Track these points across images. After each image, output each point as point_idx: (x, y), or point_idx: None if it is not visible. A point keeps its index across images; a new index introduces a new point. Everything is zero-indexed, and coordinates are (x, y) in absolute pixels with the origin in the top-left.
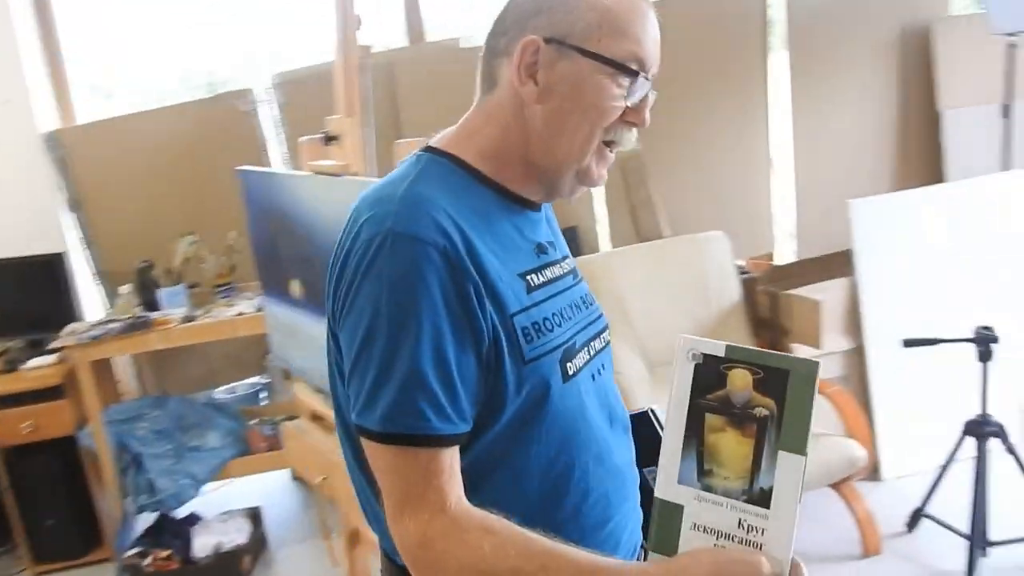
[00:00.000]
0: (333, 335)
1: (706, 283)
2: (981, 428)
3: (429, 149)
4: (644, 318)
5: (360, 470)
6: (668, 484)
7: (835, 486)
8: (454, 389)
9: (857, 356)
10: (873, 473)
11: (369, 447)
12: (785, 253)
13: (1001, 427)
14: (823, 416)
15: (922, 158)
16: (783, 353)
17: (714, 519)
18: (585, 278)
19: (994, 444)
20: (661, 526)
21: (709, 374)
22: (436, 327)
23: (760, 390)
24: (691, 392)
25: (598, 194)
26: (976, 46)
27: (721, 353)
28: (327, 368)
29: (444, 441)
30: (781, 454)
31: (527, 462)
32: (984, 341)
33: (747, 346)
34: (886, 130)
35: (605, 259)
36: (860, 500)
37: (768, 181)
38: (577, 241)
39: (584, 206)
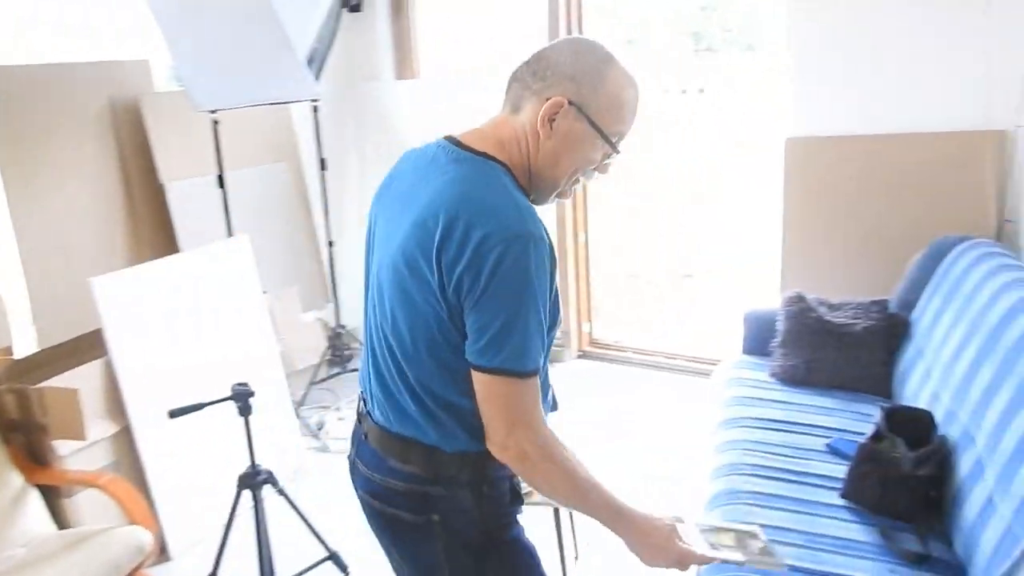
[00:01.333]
0: (440, 299)
1: None
2: (253, 479)
3: (483, 154)
4: None
5: (452, 389)
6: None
7: None
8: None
9: (125, 437)
10: (162, 554)
11: (499, 381)
12: (26, 344)
13: (270, 473)
14: (102, 511)
15: (154, 230)
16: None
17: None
18: None
19: (268, 491)
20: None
21: None
22: (546, 299)
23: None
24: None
25: None
26: (185, 121)
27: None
28: (411, 321)
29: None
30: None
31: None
32: (242, 397)
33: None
34: (114, 204)
35: None
36: None
37: None
38: None
39: None
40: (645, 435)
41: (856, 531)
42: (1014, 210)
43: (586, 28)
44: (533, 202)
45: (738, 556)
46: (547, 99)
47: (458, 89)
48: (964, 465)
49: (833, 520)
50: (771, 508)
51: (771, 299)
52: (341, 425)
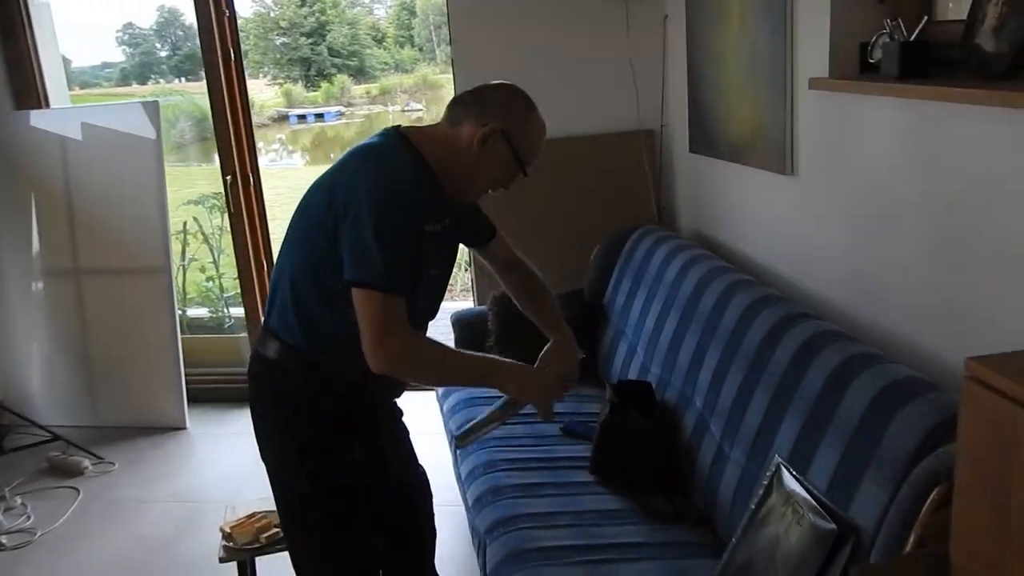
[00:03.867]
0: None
1: None
2: None
3: (399, 131)
4: None
5: (319, 303)
6: None
7: None
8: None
9: None
10: None
11: (360, 293)
12: None
13: None
14: None
15: None
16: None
17: None
18: None
19: None
20: None
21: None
22: (403, 238)
23: None
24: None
25: None
26: None
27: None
28: (307, 232)
29: (402, 295)
30: None
31: (415, 305)
32: None
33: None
34: None
35: None
36: None
37: None
38: None
39: None
40: None
41: (613, 502)
42: (667, 198)
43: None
44: (451, 196)
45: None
46: (484, 124)
47: (99, 117)
48: (688, 424)
49: (591, 496)
50: (535, 497)
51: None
52: (10, 517)
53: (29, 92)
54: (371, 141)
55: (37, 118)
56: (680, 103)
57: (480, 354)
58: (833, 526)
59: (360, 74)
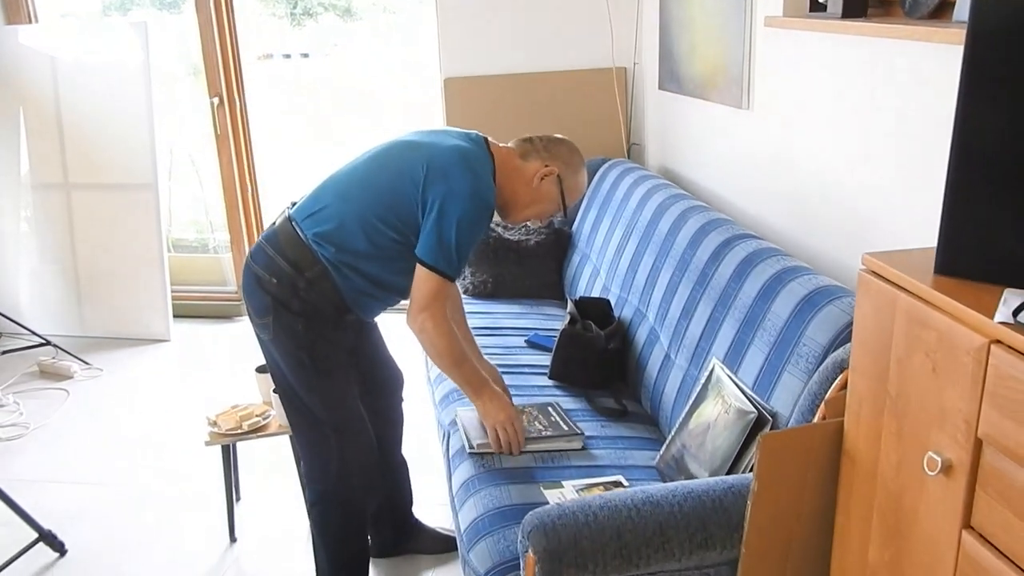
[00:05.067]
0: (419, 203)
1: None
2: None
3: (485, 145)
4: None
5: (377, 257)
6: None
7: None
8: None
9: None
10: None
11: (427, 271)
12: None
13: None
14: None
15: None
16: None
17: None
18: None
19: None
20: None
21: None
22: (474, 238)
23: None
24: None
25: None
26: None
27: None
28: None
29: (454, 282)
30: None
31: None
32: None
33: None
34: None
35: None
36: None
37: None
38: None
39: None
40: None
41: (568, 402)
42: (637, 134)
43: None
44: (500, 216)
45: (545, 434)
46: (546, 165)
47: (83, 34)
48: (641, 336)
49: (548, 396)
50: None
51: None
52: (3, 413)
53: (18, 7)
54: (467, 145)
55: (27, 34)
56: (652, 41)
57: (481, 373)
58: (754, 412)
59: (347, 14)
